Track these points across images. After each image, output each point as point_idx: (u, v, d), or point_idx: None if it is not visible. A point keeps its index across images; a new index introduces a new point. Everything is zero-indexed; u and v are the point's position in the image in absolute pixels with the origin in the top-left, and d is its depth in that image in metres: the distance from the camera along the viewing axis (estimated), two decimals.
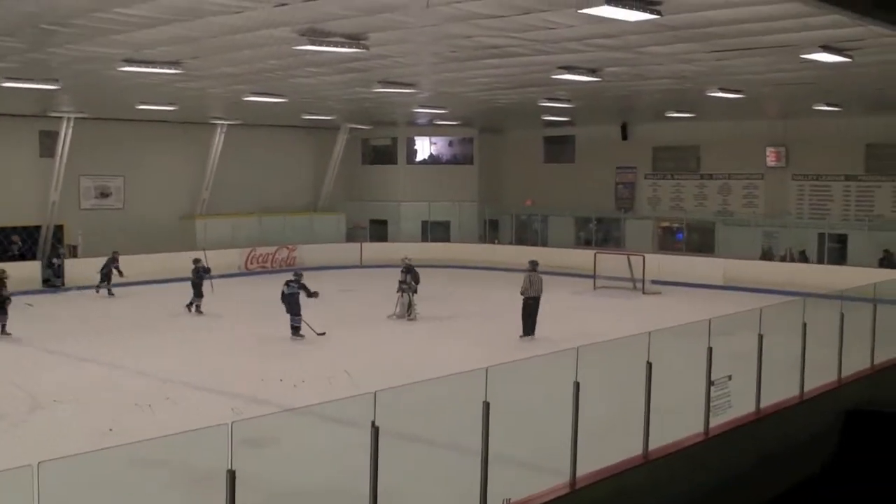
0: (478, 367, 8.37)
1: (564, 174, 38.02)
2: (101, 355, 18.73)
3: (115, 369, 17.48)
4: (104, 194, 32.38)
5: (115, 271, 27.11)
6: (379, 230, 38.18)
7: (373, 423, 7.49)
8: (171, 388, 15.81)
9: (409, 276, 22.93)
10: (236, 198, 35.16)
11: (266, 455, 8.67)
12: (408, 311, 22.77)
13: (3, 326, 20.74)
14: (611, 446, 10.28)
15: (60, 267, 28.12)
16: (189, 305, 23.86)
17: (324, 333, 20.34)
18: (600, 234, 36.56)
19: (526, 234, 38.10)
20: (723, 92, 22.78)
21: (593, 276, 29.41)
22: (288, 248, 34.50)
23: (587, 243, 35.81)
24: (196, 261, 24.80)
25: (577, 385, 9.26)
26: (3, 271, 21.04)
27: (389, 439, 7.59)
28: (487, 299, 27.00)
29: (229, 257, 32.40)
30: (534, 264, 21.21)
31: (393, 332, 21.65)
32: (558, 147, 38.86)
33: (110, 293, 27.13)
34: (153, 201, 33.23)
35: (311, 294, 20.61)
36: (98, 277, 27.09)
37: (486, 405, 8.30)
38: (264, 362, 17.97)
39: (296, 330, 20.32)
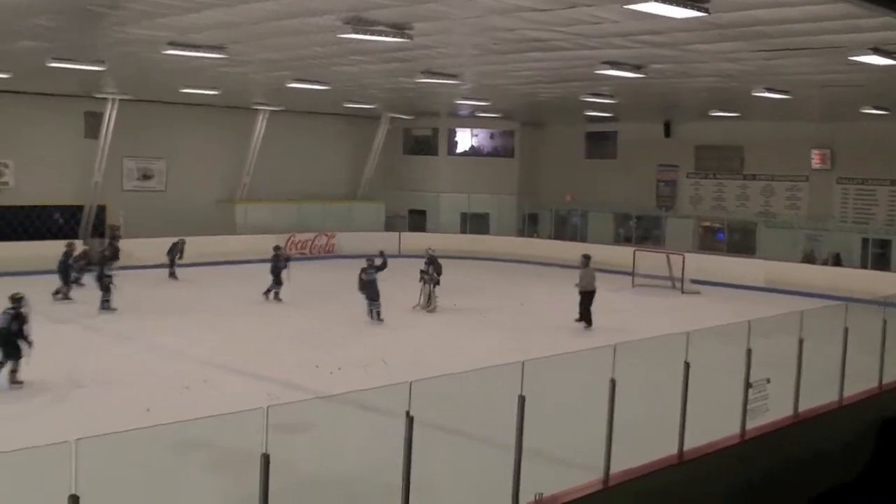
0: (511, 360, 8.37)
1: (605, 170, 37.82)
2: (144, 335, 19.01)
3: (154, 351, 17.69)
4: (146, 176, 32.55)
5: (176, 256, 27.40)
6: (418, 220, 38.29)
7: (407, 412, 7.52)
8: (209, 370, 15.98)
9: (432, 268, 22.98)
10: (277, 184, 35.15)
11: (300, 441, 8.75)
12: (428, 302, 22.85)
13: (107, 302, 21.30)
14: (645, 445, 10.24)
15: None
16: (267, 292, 23.73)
17: (382, 320, 21.08)
18: (640, 231, 36.36)
19: (565, 230, 37.96)
20: (769, 92, 22.49)
21: (632, 274, 29.26)
22: (327, 235, 34.66)
23: (626, 240, 35.63)
24: (276, 248, 24.81)
25: (613, 382, 9.22)
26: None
27: (423, 430, 7.60)
28: (524, 294, 27.02)
29: (268, 242, 32.56)
30: (584, 259, 21.87)
31: (427, 324, 21.75)
32: (600, 143, 38.62)
33: (173, 275, 27.29)
34: (194, 185, 33.39)
35: (382, 268, 21.66)
36: (167, 260, 27.53)
37: (522, 399, 8.30)
38: (300, 349, 18.11)
39: (377, 315, 21.05)
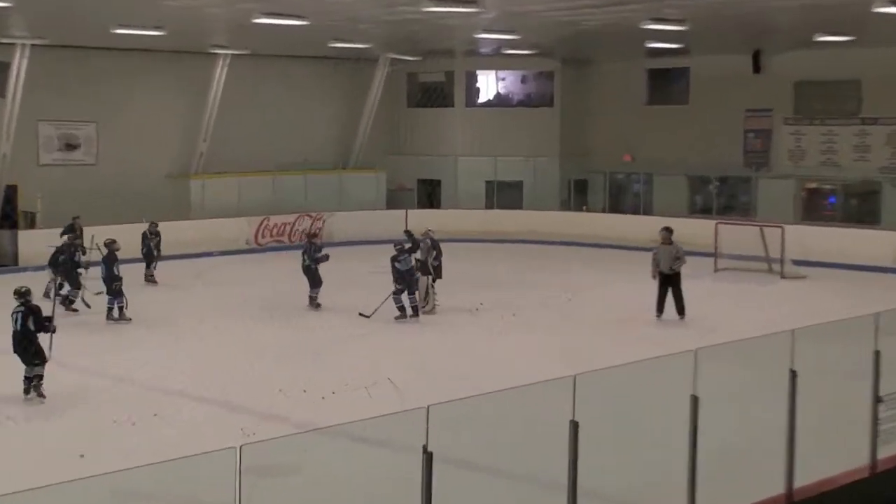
0: (557, 374, 8.56)
1: (675, 120, 37.73)
2: (85, 354, 19.06)
3: (92, 376, 17.70)
4: (70, 146, 32.84)
5: (154, 250, 27.08)
6: (429, 193, 38.52)
7: (424, 447, 7.58)
8: (163, 400, 16.02)
9: (434, 255, 23.31)
10: (243, 152, 35.44)
11: (283, 487, 8.70)
12: (425, 300, 23.11)
13: (121, 309, 21.95)
14: (739, 483, 10.25)
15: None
16: (313, 300, 23.69)
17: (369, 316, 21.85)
18: (723, 198, 36.32)
19: (623, 199, 38.01)
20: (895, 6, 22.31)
21: (714, 255, 29.28)
22: (310, 216, 34.84)
23: (705, 211, 35.68)
24: (311, 236, 24.72)
25: (694, 400, 9.23)
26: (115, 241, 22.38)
27: (444, 467, 7.75)
28: (571, 285, 27.08)
29: (234, 229, 33.07)
30: (664, 233, 22.85)
31: (443, 328, 21.92)
32: (667, 84, 38.59)
33: (150, 278, 26.87)
34: (134, 156, 33.58)
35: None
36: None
37: (575, 425, 8.36)
38: (283, 368, 18.22)
39: (415, 310, 22.22)
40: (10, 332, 16.05)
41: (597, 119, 39.70)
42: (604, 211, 37.32)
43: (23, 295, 16.13)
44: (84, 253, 23.70)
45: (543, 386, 8.88)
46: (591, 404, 8.47)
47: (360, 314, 22.15)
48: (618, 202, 38.08)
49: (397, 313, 22.21)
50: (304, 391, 16.35)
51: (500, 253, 32.50)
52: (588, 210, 37.51)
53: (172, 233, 28.84)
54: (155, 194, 33.03)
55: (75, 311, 22.71)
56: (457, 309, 23.44)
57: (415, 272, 22.46)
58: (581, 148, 39.19)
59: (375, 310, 21.98)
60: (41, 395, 15.85)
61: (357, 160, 38.42)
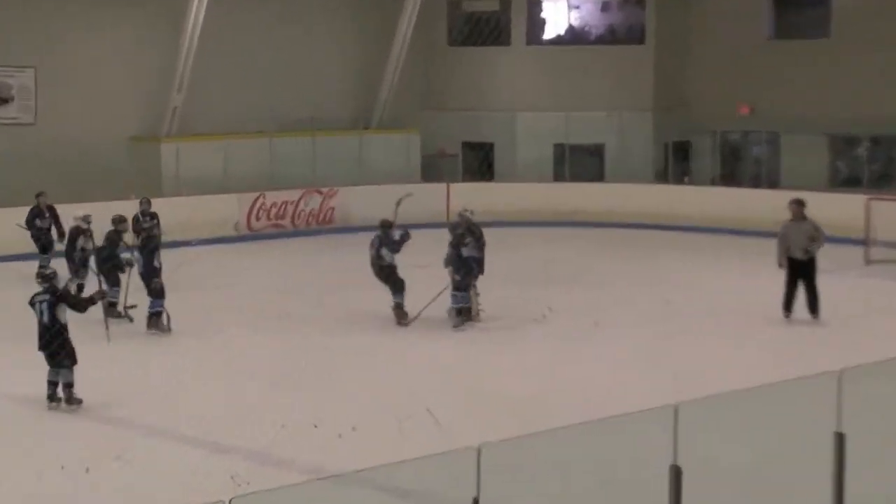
0: (648, 402, 8.79)
1: (810, 59, 37.51)
2: (13, 381, 18.83)
3: (32, 406, 17.55)
4: (1, 99, 32.93)
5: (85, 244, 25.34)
6: (479, 160, 38.60)
7: (475, 500, 7.59)
8: (128, 437, 15.94)
9: (471, 241, 22.93)
10: (231, 107, 35.44)
11: None
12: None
13: (120, 305, 22.67)
14: None
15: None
16: (400, 311, 23.28)
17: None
18: (877, 165, 36.10)
19: (739, 167, 37.88)
20: None
21: (864, 241, 29.20)
22: (320, 192, 34.88)
23: (852, 183, 35.48)
24: (385, 225, 23.78)
25: (839, 438, 9.22)
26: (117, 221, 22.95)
27: None
28: (667, 282, 27.00)
29: (220, 209, 33.18)
30: (794, 207, 22.91)
31: (498, 342, 21.85)
32: (799, 10, 38.31)
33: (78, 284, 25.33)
34: (87, 113, 33.50)
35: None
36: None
37: (677, 471, 8.38)
38: (286, 395, 18.05)
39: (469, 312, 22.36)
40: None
41: (703, 60, 39.50)
42: (712, 183, 37.30)
43: (48, 278, 16.80)
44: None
45: (631, 418, 9.05)
46: (692, 441, 8.54)
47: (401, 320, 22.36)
48: (732, 171, 38.02)
49: (456, 319, 22.16)
50: (315, 426, 16.19)
51: (573, 240, 32.29)
52: (691, 182, 37.32)
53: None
54: (114, 163, 32.95)
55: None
56: (515, 315, 23.44)
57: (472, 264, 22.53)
58: (682, 99, 39.17)
59: (419, 313, 22.07)
60: (76, 402, 16.71)
61: (382, 118, 38.51)
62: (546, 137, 37.82)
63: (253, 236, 33.51)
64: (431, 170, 38.19)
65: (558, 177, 37.45)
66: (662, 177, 37.81)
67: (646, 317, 23.58)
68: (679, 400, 8.52)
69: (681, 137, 38.50)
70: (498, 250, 24.13)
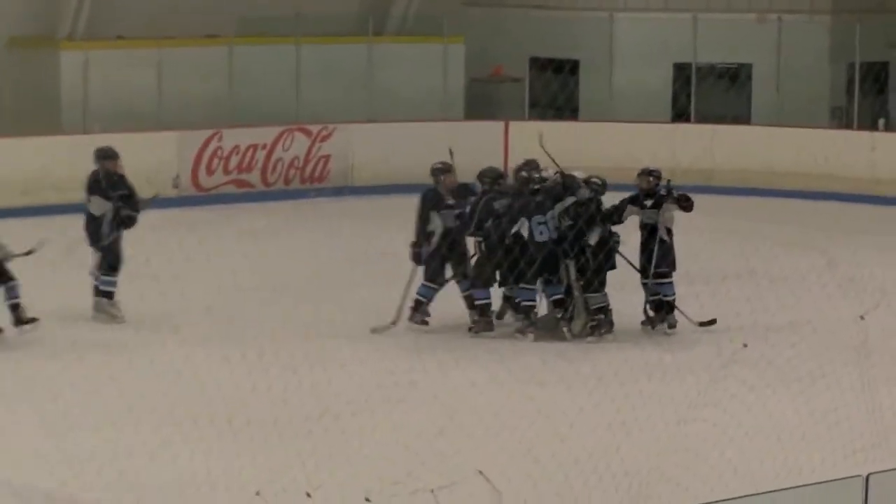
0: (830, 471, 9.94)
1: None
2: None
3: None
4: None
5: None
6: (554, 86, 33.25)
7: None
8: None
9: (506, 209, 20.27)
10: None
11: None
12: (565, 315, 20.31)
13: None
14: None
15: None
16: (416, 308, 20.82)
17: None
18: None
19: None
20: None
21: None
22: (307, 131, 29.96)
23: None
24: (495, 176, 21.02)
25: None
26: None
27: None
28: (855, 283, 22.29)
29: (151, 155, 27.72)
30: None
31: (589, 366, 17.83)
32: None
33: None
34: None
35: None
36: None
37: None
38: (266, 447, 14.64)
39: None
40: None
41: None
42: None
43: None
44: None
45: (798, 493, 9.02)
46: None
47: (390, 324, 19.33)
48: None
49: (525, 324, 19.40)
50: (308, 495, 12.46)
51: (707, 212, 26.79)
52: (889, 129, 32.02)
53: (26, 160, 26.24)
54: None
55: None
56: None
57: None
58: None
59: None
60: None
61: (404, 20, 33.37)
62: (661, 53, 32.69)
63: (202, 198, 28.73)
64: (480, 98, 33.34)
65: (678, 115, 32.63)
66: (842, 118, 32.69)
67: (818, 341, 18.85)
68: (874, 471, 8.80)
69: (872, 58, 32.88)
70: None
